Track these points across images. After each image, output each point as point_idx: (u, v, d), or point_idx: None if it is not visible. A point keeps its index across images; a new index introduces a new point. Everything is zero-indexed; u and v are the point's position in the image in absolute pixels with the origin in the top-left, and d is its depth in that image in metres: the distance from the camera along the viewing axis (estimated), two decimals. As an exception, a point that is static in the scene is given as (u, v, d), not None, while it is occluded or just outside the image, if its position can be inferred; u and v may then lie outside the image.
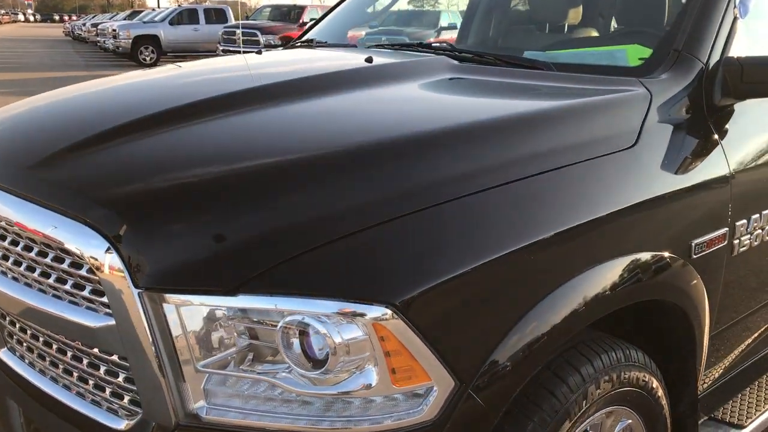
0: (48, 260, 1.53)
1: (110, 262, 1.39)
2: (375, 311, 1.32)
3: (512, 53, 2.42)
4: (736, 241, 2.06)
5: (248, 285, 1.33)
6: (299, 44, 3.11)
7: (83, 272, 1.46)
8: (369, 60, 2.24)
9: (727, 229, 2.01)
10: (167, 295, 1.36)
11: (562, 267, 1.57)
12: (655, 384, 1.89)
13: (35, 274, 1.58)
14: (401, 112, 1.87)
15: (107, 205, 1.48)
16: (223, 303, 1.35)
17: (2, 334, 1.81)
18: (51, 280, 1.54)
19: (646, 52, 2.31)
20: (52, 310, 1.53)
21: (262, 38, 17.52)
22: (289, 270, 1.34)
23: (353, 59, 2.41)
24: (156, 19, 22.32)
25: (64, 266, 1.50)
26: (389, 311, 1.33)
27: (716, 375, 2.32)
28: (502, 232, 1.50)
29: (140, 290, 1.37)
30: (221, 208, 1.43)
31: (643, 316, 1.96)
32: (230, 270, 1.35)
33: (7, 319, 1.76)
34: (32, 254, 1.56)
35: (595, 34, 2.97)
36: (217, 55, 17.57)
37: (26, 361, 1.75)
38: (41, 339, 1.65)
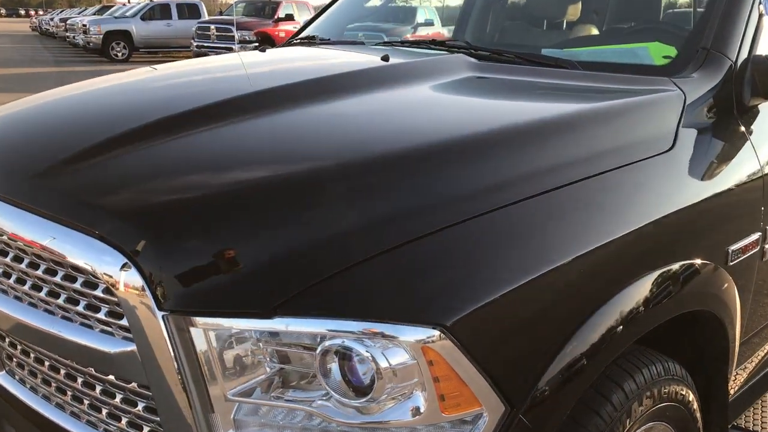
0: (57, 279, 1.40)
1: (131, 282, 1.27)
2: (424, 333, 1.22)
3: (529, 51, 2.31)
4: (767, 246, 1.99)
5: (285, 306, 1.22)
6: (298, 41, 2.98)
7: (98, 292, 1.34)
8: (385, 59, 2.12)
9: (760, 233, 1.94)
10: (196, 319, 1.24)
11: (608, 280, 1.48)
12: (692, 397, 1.81)
13: (42, 294, 1.44)
14: (433, 115, 1.76)
15: (125, 218, 1.35)
16: (257, 326, 1.23)
17: (0, 356, 1.67)
18: (60, 301, 1.41)
19: (669, 49, 2.23)
20: (62, 334, 1.40)
21: (236, 34, 17.26)
22: (329, 289, 1.23)
23: (367, 58, 2.30)
24: (127, 14, 21.90)
25: (76, 285, 1.37)
26: (438, 333, 1.22)
27: (740, 382, 2.25)
28: (551, 244, 1.40)
29: (165, 313, 1.25)
30: (254, 223, 1.31)
31: (676, 326, 1.88)
32: (266, 290, 1.24)
33: (7, 340, 1.62)
34: (39, 272, 1.43)
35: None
36: (202, 54, 17.29)
37: (27, 385, 1.62)
38: (47, 363, 1.52)
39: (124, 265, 1.28)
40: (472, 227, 1.35)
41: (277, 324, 1.22)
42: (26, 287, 1.48)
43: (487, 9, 3.62)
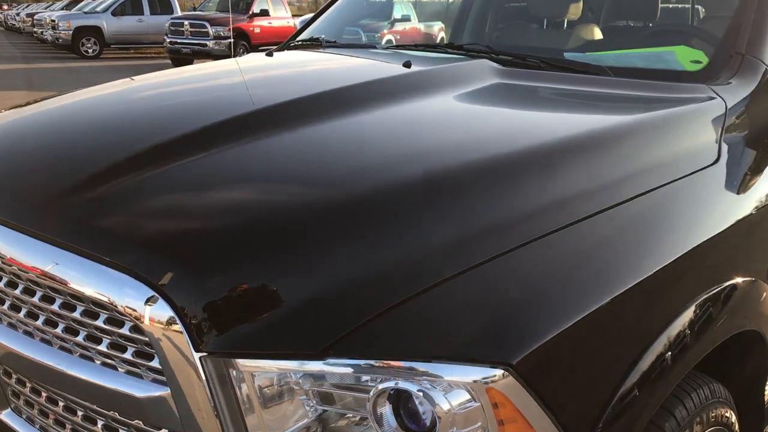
0: (76, 314, 1.27)
1: (164, 320, 1.14)
2: (488, 373, 1.11)
3: (550, 54, 2.22)
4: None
5: (337, 346, 1.11)
6: (302, 43, 2.85)
7: (125, 330, 1.21)
8: (407, 65, 2.01)
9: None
10: (238, 361, 1.12)
11: (666, 305, 1.39)
12: (734, 418, 1.74)
13: (58, 330, 1.31)
14: (472, 129, 1.65)
15: (156, 248, 1.23)
16: (306, 368, 1.12)
17: (4, 392, 1.53)
18: (79, 338, 1.28)
19: (697, 54, 2.16)
20: (81, 375, 1.27)
21: (211, 30, 16.97)
22: (383, 327, 1.12)
23: (387, 64, 2.18)
24: (98, 9, 21.39)
25: (98, 323, 1.24)
26: (503, 372, 1.12)
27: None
28: (611, 269, 1.31)
29: (203, 354, 1.13)
30: (300, 255, 1.19)
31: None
32: (315, 329, 1.12)
33: (14, 377, 1.49)
34: (54, 306, 1.30)
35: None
36: (175, 50, 16.92)
37: (36, 425, 1.49)
38: (61, 403, 1.39)
39: (153, 300, 1.16)
40: (529, 253, 1.25)
41: (328, 366, 1.11)
42: (38, 322, 1.34)
43: (495, 10, 3.53)
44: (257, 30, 17.83)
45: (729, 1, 2.37)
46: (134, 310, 1.16)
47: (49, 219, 1.34)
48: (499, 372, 1.11)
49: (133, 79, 2.29)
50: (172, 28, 17.36)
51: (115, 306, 1.19)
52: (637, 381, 1.30)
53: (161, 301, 1.15)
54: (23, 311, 1.37)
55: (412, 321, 1.14)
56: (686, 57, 2.15)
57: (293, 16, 19.94)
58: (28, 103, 2.08)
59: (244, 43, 17.44)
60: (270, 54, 2.51)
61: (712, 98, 1.77)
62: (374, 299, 1.14)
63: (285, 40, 3.11)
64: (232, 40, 16.93)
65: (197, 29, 17.07)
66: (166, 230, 1.26)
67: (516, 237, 1.25)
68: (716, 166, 1.64)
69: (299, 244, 1.20)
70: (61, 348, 1.33)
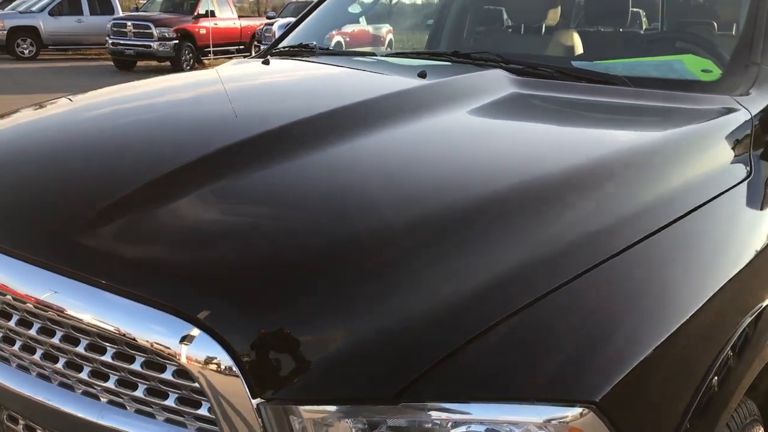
0: (106, 357, 1.14)
1: (216, 364, 1.03)
2: (570, 412, 1.04)
3: (559, 63, 2.16)
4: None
5: (410, 390, 1.02)
6: (291, 50, 2.72)
7: (167, 375, 1.09)
8: (422, 75, 1.92)
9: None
10: (301, 408, 1.02)
11: (725, 326, 1.34)
12: (766, 435, 1.71)
13: (83, 375, 1.18)
14: (513, 146, 1.56)
15: (207, 285, 1.11)
16: (378, 414, 1.02)
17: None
18: (110, 384, 1.15)
19: (705, 63, 2.14)
20: (113, 425, 1.14)
21: (155, 31, 16.54)
22: (457, 368, 1.03)
23: (401, 75, 2.09)
24: (33, 9, 20.62)
25: (134, 366, 1.12)
26: (584, 410, 1.04)
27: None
28: (677, 292, 1.26)
29: (261, 401, 1.02)
30: (367, 291, 1.09)
31: None
32: (386, 372, 1.03)
33: (21, 423, 1.34)
34: (79, 348, 1.17)
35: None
36: (119, 51, 16.37)
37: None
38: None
39: (203, 342, 1.04)
40: (593, 283, 1.18)
41: (402, 411, 1.02)
42: (59, 365, 1.21)
43: (473, 15, 3.48)
44: (203, 31, 17.47)
45: (732, 10, 2.37)
46: (180, 353, 1.05)
47: (77, 253, 1.20)
48: (580, 410, 1.04)
49: (134, 87, 2.14)
50: (114, 29, 16.85)
51: (157, 348, 1.07)
52: (702, 407, 1.25)
53: (213, 343, 1.04)
54: (39, 353, 1.24)
55: (486, 360, 1.05)
56: (695, 66, 2.13)
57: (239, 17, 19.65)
58: (13, 112, 1.91)
59: (190, 44, 17.07)
60: (266, 62, 2.39)
61: (737, 109, 1.74)
62: (445, 338, 1.05)
63: (270, 45, 2.99)
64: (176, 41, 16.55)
65: (141, 30, 16.61)
66: (216, 264, 1.14)
67: (577, 265, 1.18)
68: (752, 180, 1.61)
69: (365, 281, 1.10)
70: (85, 393, 1.19)
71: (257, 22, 19.28)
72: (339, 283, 1.09)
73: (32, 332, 1.23)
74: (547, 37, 2.91)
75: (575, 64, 2.15)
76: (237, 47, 18.65)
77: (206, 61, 18.38)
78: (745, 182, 1.59)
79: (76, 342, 1.18)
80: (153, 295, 1.09)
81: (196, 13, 17.58)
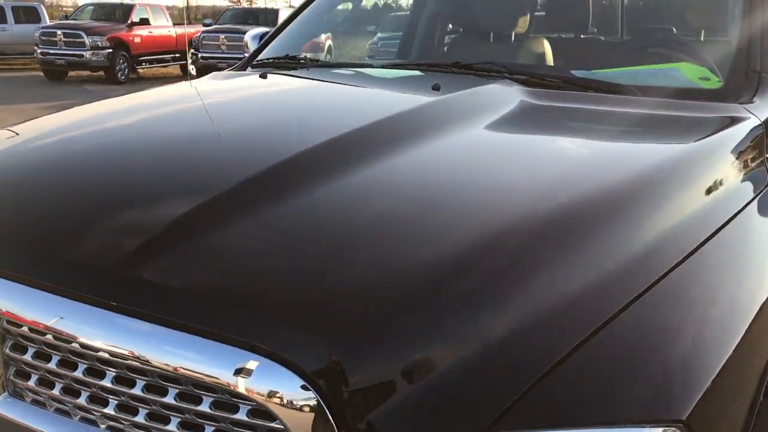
0: (168, 399, 1.07)
1: (304, 403, 0.97)
2: None
3: (558, 72, 2.17)
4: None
5: (505, 419, 0.98)
6: (277, 62, 2.65)
7: (241, 416, 1.02)
8: (437, 88, 1.89)
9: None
10: None
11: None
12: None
13: (138, 418, 1.10)
14: (550, 161, 1.52)
15: (290, 319, 1.04)
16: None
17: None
18: (172, 427, 1.08)
19: (701, 71, 2.18)
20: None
21: (87, 40, 16.01)
22: (550, 394, 1.01)
23: (415, 89, 2.04)
24: (-46, 18, 19.73)
25: (202, 408, 1.05)
26: (673, 429, 1.04)
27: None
28: (737, 299, 1.27)
29: None
30: (452, 320, 1.04)
31: None
32: (481, 402, 0.99)
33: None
34: (135, 390, 1.09)
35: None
36: (48, 62, 15.72)
37: None
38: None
39: (285, 380, 0.98)
40: (662, 296, 1.17)
41: None
42: (108, 409, 1.12)
43: (444, 25, 3.47)
44: (137, 40, 17.03)
45: (721, 19, 2.43)
46: (260, 393, 0.99)
47: (133, 289, 1.12)
48: (672, 429, 1.03)
49: (142, 100, 2.03)
50: (43, 38, 16.23)
51: (231, 387, 1.00)
52: (756, 417, 1.26)
53: (297, 379, 0.98)
54: (84, 396, 1.15)
55: (575, 385, 1.03)
56: (693, 74, 2.16)
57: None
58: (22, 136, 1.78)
59: (124, 53, 16.61)
60: (264, 75, 2.31)
61: (748, 117, 1.78)
62: (533, 364, 1.03)
63: (250, 55, 2.90)
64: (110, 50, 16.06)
65: (72, 39, 16.06)
66: (296, 294, 1.07)
67: (644, 281, 1.18)
68: (769, 188, 1.64)
69: (452, 310, 1.06)
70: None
71: (192, 30, 18.92)
72: (426, 315, 1.05)
73: (77, 374, 1.14)
74: (518, 45, 2.92)
75: (576, 73, 2.15)
76: (173, 55, 18.26)
77: (141, 71, 17.92)
78: (766, 191, 1.62)
79: (130, 383, 1.10)
80: (225, 329, 1.03)
81: (129, 21, 17.12)
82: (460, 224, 1.22)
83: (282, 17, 18.45)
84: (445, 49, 3.47)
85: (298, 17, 2.98)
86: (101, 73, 16.52)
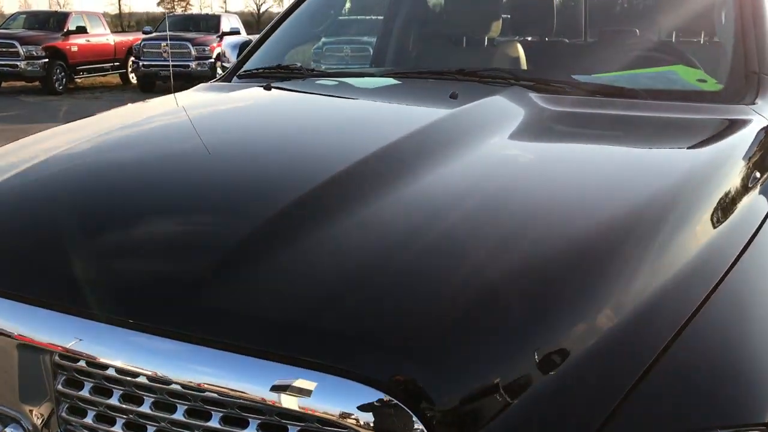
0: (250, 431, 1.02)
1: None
2: None
3: (559, 77, 2.18)
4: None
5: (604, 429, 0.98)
6: (268, 72, 2.59)
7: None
8: (454, 96, 1.88)
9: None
10: None
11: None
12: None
13: None
14: (592, 171, 1.52)
15: (383, 342, 1.00)
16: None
17: None
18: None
19: (697, 73, 2.23)
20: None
21: (21, 49, 15.46)
22: (643, 405, 1.01)
23: (432, 99, 2.02)
24: None
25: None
26: None
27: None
28: None
29: None
30: (534, 340, 1.03)
31: None
32: (579, 416, 0.99)
33: None
34: (213, 423, 1.04)
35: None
36: None
37: None
38: None
39: (392, 412, 0.95)
40: (729, 296, 1.19)
41: None
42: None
43: (419, 31, 3.46)
44: (75, 48, 16.55)
45: (706, 20, 2.49)
46: (358, 421, 0.95)
47: (213, 318, 1.07)
48: None
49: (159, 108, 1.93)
50: (-28, 48, 15.63)
51: (328, 417, 0.97)
52: None
53: (405, 411, 0.95)
54: (152, 430, 1.09)
55: (664, 394, 1.03)
56: (690, 76, 2.21)
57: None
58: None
59: (61, 63, 16.11)
60: (267, 87, 2.25)
61: (756, 118, 1.82)
62: (623, 372, 1.03)
63: (234, 65, 2.84)
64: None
65: (5, 49, 15.49)
66: (395, 317, 1.04)
67: (710, 282, 1.19)
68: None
69: (539, 321, 1.05)
70: None
71: (131, 37, 18.50)
72: (518, 326, 1.04)
73: (144, 408, 1.09)
74: (495, 49, 2.94)
75: (578, 78, 2.17)
76: (112, 64, 17.82)
77: (79, 80, 17.42)
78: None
79: (206, 416, 1.05)
80: (322, 358, 0.99)
81: (66, 30, 16.62)
82: (535, 233, 1.21)
83: (225, 24, 18.19)
84: (416, 55, 3.46)
85: (283, 24, 2.93)
86: (37, 83, 16.00)
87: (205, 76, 16.06)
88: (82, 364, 1.11)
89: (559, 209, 1.30)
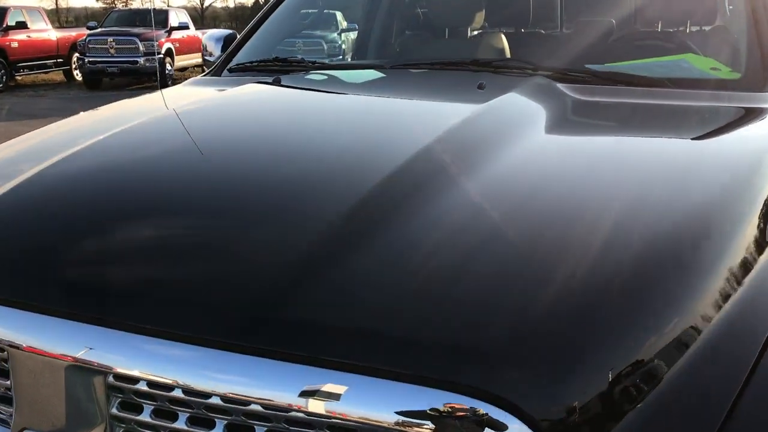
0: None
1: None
2: None
3: (574, 67, 2.13)
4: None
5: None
6: (264, 65, 2.48)
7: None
8: (482, 87, 1.81)
9: None
10: None
11: None
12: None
13: None
14: (651, 161, 1.47)
15: (505, 355, 0.92)
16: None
17: None
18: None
19: (710, 61, 2.21)
20: None
21: (-42, 46, 14.84)
22: (757, 398, 0.97)
23: (460, 87, 1.94)
24: None
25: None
26: None
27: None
28: None
29: None
30: (662, 329, 0.98)
31: None
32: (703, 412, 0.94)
33: None
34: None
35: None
36: None
37: None
38: None
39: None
40: None
41: None
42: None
43: (401, 21, 3.39)
44: (15, 45, 15.92)
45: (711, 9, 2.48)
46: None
47: (309, 334, 0.98)
48: None
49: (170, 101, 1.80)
50: None
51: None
52: None
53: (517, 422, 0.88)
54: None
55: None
56: (703, 65, 2.19)
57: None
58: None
59: (1, 60, 15.49)
60: (278, 81, 2.13)
61: (784, 107, 1.81)
62: (733, 369, 0.98)
63: (222, 58, 2.71)
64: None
65: (-59, 46, 14.85)
66: (500, 328, 0.96)
67: None
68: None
69: (653, 323, 0.99)
70: None
71: (74, 33, 17.92)
72: (631, 330, 0.97)
73: None
74: (515, 39, 2.90)
75: (592, 67, 2.13)
76: (55, 61, 17.22)
77: (19, 78, 16.78)
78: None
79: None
80: (434, 373, 0.91)
81: (5, 25, 15.98)
82: (629, 229, 1.15)
83: (173, 19, 17.73)
84: (399, 46, 3.39)
85: (270, 17, 2.82)
86: (-25, 81, 15.39)
87: (155, 72, 15.65)
88: (142, 386, 1.01)
89: (641, 204, 1.24)
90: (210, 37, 3.16)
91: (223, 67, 2.66)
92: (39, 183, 1.43)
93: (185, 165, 1.45)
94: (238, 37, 2.83)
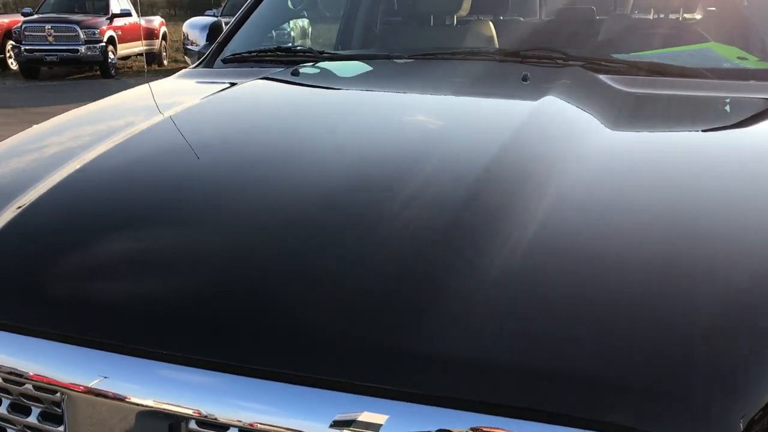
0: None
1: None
2: None
3: (597, 56, 2.04)
4: None
5: None
6: (260, 55, 2.31)
7: None
8: (525, 79, 1.69)
9: None
10: None
11: None
12: None
13: None
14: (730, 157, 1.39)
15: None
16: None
17: None
18: None
19: (734, 50, 2.16)
20: None
21: None
22: None
23: (506, 81, 1.82)
24: None
25: None
26: None
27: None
28: None
29: None
30: None
31: None
32: None
33: None
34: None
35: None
36: None
37: None
38: None
39: None
40: None
41: None
42: None
43: (385, 9, 3.25)
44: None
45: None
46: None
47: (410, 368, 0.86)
48: None
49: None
50: None
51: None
52: None
53: None
54: None
55: None
56: (729, 54, 2.13)
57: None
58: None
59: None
60: (296, 73, 1.96)
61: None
62: None
63: (212, 49, 2.53)
64: None
65: None
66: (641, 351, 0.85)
67: None
68: None
69: None
70: None
71: (6, 20, 17.10)
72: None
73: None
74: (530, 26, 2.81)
75: (618, 56, 2.05)
76: (-13, 48, 16.42)
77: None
78: None
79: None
80: (590, 414, 0.79)
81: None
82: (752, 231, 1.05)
83: (114, 5, 17.05)
84: (382, 33, 3.25)
85: (261, 5, 2.65)
86: None
87: (97, 60, 15.04)
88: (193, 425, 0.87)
89: (755, 204, 1.15)
90: (192, 24, 2.97)
91: (215, 58, 2.49)
92: (57, 198, 1.26)
93: (231, 179, 1.29)
94: (228, 25, 2.64)
